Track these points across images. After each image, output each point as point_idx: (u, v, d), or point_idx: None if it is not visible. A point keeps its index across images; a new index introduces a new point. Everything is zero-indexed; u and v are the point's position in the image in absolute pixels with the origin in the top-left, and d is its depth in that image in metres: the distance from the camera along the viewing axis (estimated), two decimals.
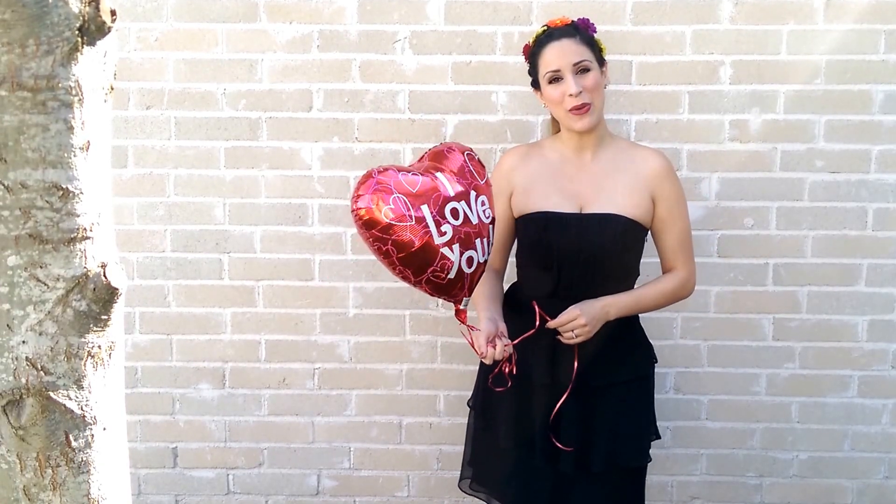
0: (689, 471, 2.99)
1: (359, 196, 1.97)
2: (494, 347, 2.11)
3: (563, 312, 2.18)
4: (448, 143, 2.21)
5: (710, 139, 2.83)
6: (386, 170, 2.02)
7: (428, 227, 1.99)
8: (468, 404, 2.51)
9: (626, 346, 2.33)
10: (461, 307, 2.11)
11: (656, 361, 2.42)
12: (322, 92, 2.86)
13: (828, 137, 2.82)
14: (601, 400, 2.27)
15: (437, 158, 2.17)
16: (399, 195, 1.99)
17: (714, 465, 2.99)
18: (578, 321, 2.16)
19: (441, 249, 2.00)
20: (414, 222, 1.97)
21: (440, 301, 2.89)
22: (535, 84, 2.30)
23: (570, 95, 2.17)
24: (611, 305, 2.22)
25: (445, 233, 2.01)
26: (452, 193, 2.07)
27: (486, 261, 2.13)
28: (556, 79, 2.20)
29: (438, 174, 2.11)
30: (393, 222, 1.95)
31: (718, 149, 2.84)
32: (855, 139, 2.82)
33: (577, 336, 2.17)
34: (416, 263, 1.99)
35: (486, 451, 2.43)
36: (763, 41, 2.78)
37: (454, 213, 2.04)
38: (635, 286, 2.35)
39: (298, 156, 2.89)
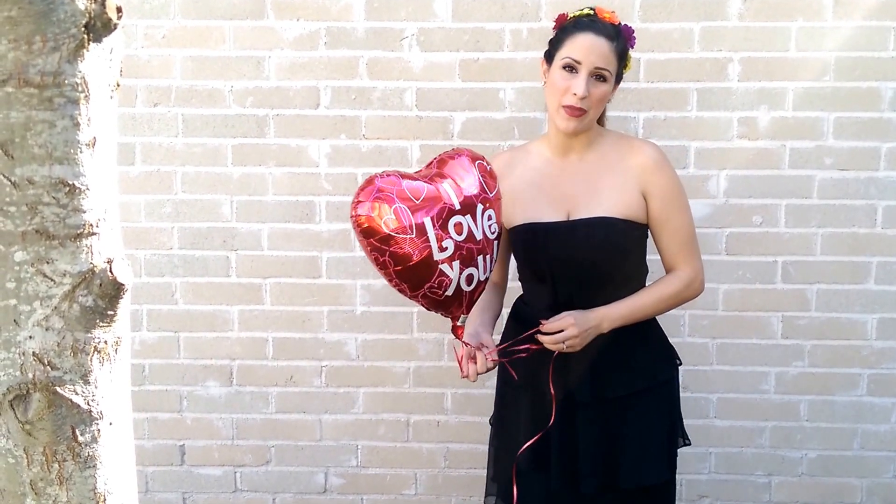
0: (698, 469, 2.98)
1: (359, 202, 1.84)
2: (476, 362, 1.98)
3: (556, 317, 2.02)
4: (460, 149, 2.07)
5: (718, 136, 2.82)
6: (389, 175, 1.90)
7: (429, 241, 1.87)
8: (490, 422, 2.35)
9: (642, 349, 2.14)
10: (458, 324, 1.99)
11: (680, 363, 2.25)
12: (329, 89, 2.86)
13: (837, 135, 2.81)
14: (621, 412, 2.10)
15: (444, 166, 2.03)
16: (401, 205, 1.87)
17: (723, 464, 2.98)
18: (570, 331, 1.98)
19: (440, 266, 1.89)
20: (414, 235, 1.86)
21: None
22: (549, 57, 2.09)
23: (574, 94, 1.99)
24: (604, 318, 2.04)
25: (446, 248, 1.89)
26: (458, 206, 1.95)
27: (486, 279, 2.01)
28: (571, 67, 2.00)
29: (444, 184, 1.98)
30: (393, 233, 1.83)
31: (727, 146, 2.83)
32: (864, 136, 2.80)
33: (566, 347, 1.99)
34: (413, 279, 1.88)
35: (508, 470, 2.21)
36: (772, 38, 2.77)
37: (458, 227, 1.92)
38: (644, 288, 2.15)
39: (306, 153, 2.89)
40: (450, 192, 1.96)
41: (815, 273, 2.87)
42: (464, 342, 2.01)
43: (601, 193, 2.07)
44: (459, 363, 2.01)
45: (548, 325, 2.01)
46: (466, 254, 1.94)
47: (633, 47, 2.08)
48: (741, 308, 2.90)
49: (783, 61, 2.79)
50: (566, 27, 2.06)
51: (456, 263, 1.91)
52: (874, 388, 2.92)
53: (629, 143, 2.14)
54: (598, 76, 2.00)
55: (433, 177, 1.99)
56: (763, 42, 2.78)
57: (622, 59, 2.05)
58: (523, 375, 2.11)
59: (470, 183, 2.01)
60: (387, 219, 1.83)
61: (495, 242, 2.01)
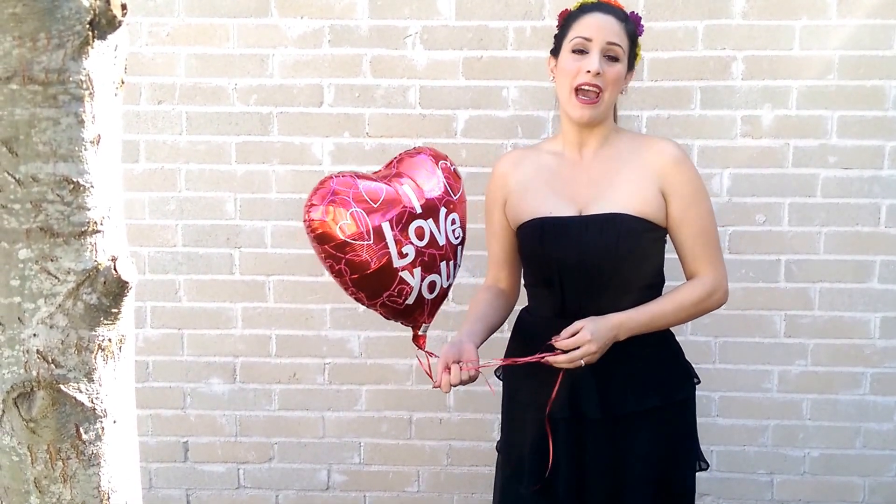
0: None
1: (312, 206, 1.73)
2: (450, 373, 1.82)
3: (569, 329, 1.84)
4: (421, 148, 1.99)
5: (721, 135, 2.82)
6: (344, 176, 1.80)
7: (387, 247, 1.77)
8: (496, 448, 2.21)
9: (657, 364, 2.00)
10: (420, 332, 1.91)
11: (698, 381, 2.10)
12: (333, 87, 2.86)
13: (840, 133, 2.80)
14: (632, 432, 1.95)
15: (403, 165, 1.94)
16: (358, 208, 1.75)
17: (725, 462, 2.98)
18: (588, 347, 1.81)
19: (400, 273, 1.80)
20: (372, 241, 1.75)
21: (451, 295, 2.89)
22: (556, 51, 2.01)
23: (588, 72, 1.88)
24: (621, 325, 1.87)
25: (406, 255, 1.80)
26: (419, 210, 1.85)
27: (450, 285, 1.92)
28: (581, 50, 1.91)
29: (404, 185, 1.87)
30: (349, 240, 1.73)
31: (730, 144, 2.82)
32: (868, 135, 2.80)
33: (584, 363, 1.82)
34: (371, 286, 1.79)
35: (515, 499, 2.10)
36: (775, 36, 2.77)
37: (419, 232, 1.83)
38: (662, 295, 2.00)
39: (309, 151, 2.89)
40: (410, 195, 1.86)
41: (819, 272, 2.87)
42: (427, 352, 1.92)
43: (616, 189, 1.94)
44: (428, 373, 1.90)
45: (562, 341, 1.83)
46: (429, 260, 1.84)
47: (641, 34, 2.01)
48: (744, 307, 2.89)
49: (787, 60, 2.78)
50: (572, 14, 1.99)
51: (417, 270, 1.82)
52: (877, 387, 2.92)
53: (647, 140, 2.03)
54: (610, 56, 1.91)
55: (392, 177, 1.89)
56: (767, 40, 2.77)
57: (633, 43, 1.97)
58: (528, 393, 2.02)
59: (432, 185, 1.91)
60: (343, 223, 1.72)
61: (459, 248, 1.93)
